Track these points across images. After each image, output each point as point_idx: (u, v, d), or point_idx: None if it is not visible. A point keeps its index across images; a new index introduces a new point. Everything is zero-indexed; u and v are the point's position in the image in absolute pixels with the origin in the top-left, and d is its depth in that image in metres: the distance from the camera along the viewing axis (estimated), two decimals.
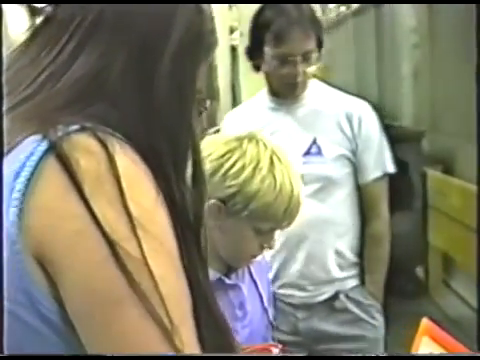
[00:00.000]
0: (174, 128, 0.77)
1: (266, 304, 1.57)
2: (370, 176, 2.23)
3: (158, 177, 0.73)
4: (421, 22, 5.56)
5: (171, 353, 0.68)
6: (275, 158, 1.42)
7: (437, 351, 1.62)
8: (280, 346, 1.53)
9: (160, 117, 0.76)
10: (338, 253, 2.21)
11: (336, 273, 2.21)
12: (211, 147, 1.44)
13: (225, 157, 1.41)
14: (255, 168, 1.39)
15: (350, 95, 2.28)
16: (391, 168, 2.28)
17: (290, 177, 1.41)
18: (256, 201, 1.38)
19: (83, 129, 0.71)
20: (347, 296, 2.22)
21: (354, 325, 2.23)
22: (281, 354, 1.38)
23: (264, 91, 2.25)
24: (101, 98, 0.75)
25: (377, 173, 2.24)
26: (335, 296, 2.21)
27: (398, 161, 4.89)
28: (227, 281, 1.50)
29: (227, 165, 1.40)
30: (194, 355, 0.71)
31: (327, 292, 2.21)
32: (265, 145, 1.43)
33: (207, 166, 1.42)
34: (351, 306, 2.23)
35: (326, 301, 2.21)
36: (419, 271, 5.10)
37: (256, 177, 1.38)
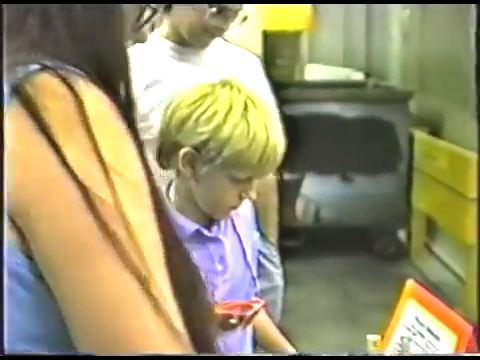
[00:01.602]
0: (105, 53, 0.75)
1: (249, 259, 1.51)
2: None
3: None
4: None
5: (147, 303, 0.66)
6: (250, 103, 1.37)
7: (422, 313, 1.58)
8: (262, 302, 1.48)
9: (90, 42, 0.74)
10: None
11: None
12: (183, 94, 1.41)
13: (197, 103, 1.38)
14: (227, 114, 1.35)
15: (243, 50, 2.18)
16: None
17: (266, 124, 1.37)
18: (229, 148, 1.35)
19: (44, 68, 0.68)
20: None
21: (265, 278, 2.23)
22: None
23: (159, 38, 2.04)
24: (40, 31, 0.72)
25: None
26: None
27: (384, 122, 4.90)
28: (206, 233, 1.45)
29: (199, 111, 1.36)
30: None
31: None
32: (239, 90, 1.39)
33: (180, 113, 1.39)
34: (261, 259, 2.23)
35: None
36: (401, 234, 5.08)
37: (228, 123, 1.35)
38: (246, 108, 1.36)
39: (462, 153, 4.13)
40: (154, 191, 0.72)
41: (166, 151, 1.43)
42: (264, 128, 1.36)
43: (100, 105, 0.69)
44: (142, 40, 0.87)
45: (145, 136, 1.89)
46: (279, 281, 2.32)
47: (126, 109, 0.73)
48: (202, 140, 1.35)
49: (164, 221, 0.74)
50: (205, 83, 1.43)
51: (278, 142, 1.39)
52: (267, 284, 2.23)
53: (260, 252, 2.23)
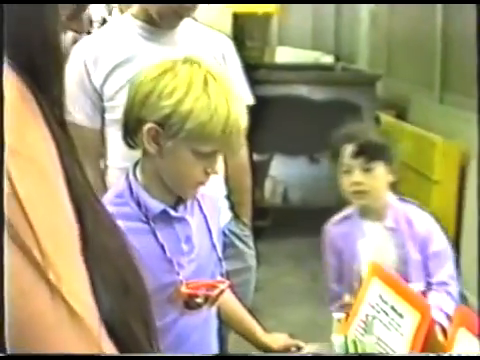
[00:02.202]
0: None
1: (215, 240, 1.52)
2: None
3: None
4: None
5: (45, 288, 0.60)
6: (210, 77, 1.39)
7: (385, 291, 1.61)
8: (228, 283, 1.50)
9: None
10: None
11: None
12: (146, 70, 1.44)
13: (159, 78, 1.40)
14: (188, 88, 1.37)
15: (214, 30, 2.18)
16: (251, 100, 2.23)
17: (226, 98, 1.39)
18: (191, 121, 1.36)
19: None
20: (229, 230, 2.23)
21: (238, 258, 2.25)
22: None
23: (129, 17, 2.02)
24: None
25: None
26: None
27: (351, 104, 4.92)
28: (173, 213, 1.45)
29: (161, 85, 1.39)
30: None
31: None
32: (199, 65, 1.41)
33: (142, 88, 1.41)
34: (234, 239, 2.25)
35: None
36: None
37: (189, 96, 1.37)
38: (206, 82, 1.38)
39: (427, 136, 4.18)
40: (74, 179, 0.68)
41: (131, 128, 1.44)
42: (225, 101, 1.38)
43: (13, 93, 0.65)
44: (80, 30, 0.86)
45: (112, 116, 1.91)
46: (252, 261, 2.33)
47: (55, 106, 0.70)
48: (165, 114, 1.37)
49: (90, 211, 0.69)
50: (167, 59, 1.45)
51: (240, 115, 1.41)
52: (240, 264, 2.24)
53: (233, 233, 2.24)
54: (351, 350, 1.36)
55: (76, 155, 0.71)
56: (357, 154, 1.95)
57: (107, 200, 1.44)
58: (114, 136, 1.86)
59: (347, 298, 1.86)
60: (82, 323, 0.62)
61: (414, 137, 4.35)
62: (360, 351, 1.36)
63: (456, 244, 3.50)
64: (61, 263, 0.62)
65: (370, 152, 1.96)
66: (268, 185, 4.88)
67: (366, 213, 2.01)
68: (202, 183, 1.45)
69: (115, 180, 1.77)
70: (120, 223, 1.43)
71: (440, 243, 1.94)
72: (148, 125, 1.38)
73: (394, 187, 2.05)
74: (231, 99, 1.40)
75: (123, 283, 0.73)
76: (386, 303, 1.56)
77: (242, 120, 1.42)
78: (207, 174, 1.43)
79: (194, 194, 1.49)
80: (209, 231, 1.52)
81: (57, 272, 0.61)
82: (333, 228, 2.10)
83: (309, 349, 1.78)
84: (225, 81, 1.43)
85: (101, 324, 0.64)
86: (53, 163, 0.66)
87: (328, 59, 6.57)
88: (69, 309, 0.61)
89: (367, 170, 1.95)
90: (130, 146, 1.48)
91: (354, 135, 2.03)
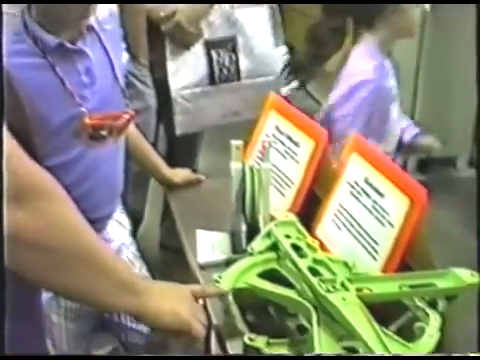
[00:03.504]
0: None
1: (118, 72, 1.53)
2: None
3: None
4: None
5: None
6: None
7: (282, 122, 1.65)
8: (132, 113, 1.53)
9: None
10: None
11: None
12: None
13: None
14: None
15: None
16: None
17: None
18: None
19: None
20: (127, 71, 2.25)
21: (138, 98, 2.30)
22: None
23: None
24: None
25: None
26: None
27: None
28: (69, 46, 1.45)
29: None
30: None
31: None
32: None
33: None
34: (133, 79, 2.30)
35: None
36: None
37: None
38: None
39: None
40: None
41: None
42: None
43: None
44: None
45: None
46: (152, 101, 2.35)
47: None
48: None
49: None
50: None
51: None
52: (140, 104, 2.26)
53: (132, 73, 2.24)
54: (248, 176, 1.43)
55: None
56: None
57: (6, 40, 1.42)
58: None
59: None
60: None
61: None
62: (256, 178, 1.42)
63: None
64: None
65: None
66: None
67: None
68: (85, 16, 1.45)
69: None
70: (19, 60, 1.42)
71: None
72: None
73: None
74: None
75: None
76: (282, 133, 1.63)
77: None
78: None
79: (81, 26, 1.48)
80: (111, 63, 1.52)
81: None
82: None
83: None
84: None
85: None
86: None
87: None
88: None
89: None
90: None
91: None
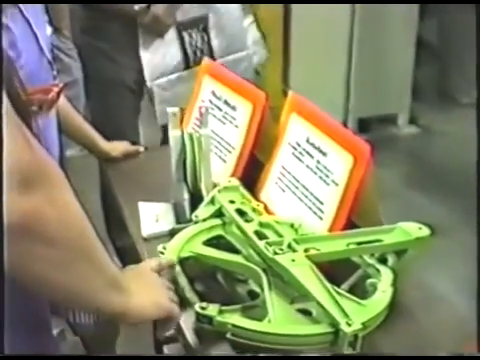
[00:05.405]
0: None
1: (43, 44, 1.47)
2: None
3: None
4: None
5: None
6: None
7: (217, 87, 1.62)
8: (60, 85, 1.47)
9: None
10: None
11: None
12: None
13: None
14: None
15: None
16: None
17: None
18: None
19: None
20: (52, 44, 2.22)
21: (65, 72, 2.37)
22: None
23: None
24: None
25: None
26: None
27: None
28: None
29: None
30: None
31: None
32: None
33: None
34: (58, 53, 2.39)
35: None
36: None
37: None
38: None
39: None
40: None
41: None
42: None
43: None
44: None
45: None
46: (78, 74, 2.29)
47: None
48: None
49: None
50: None
51: None
52: (67, 78, 2.21)
53: (57, 47, 2.18)
54: (188, 143, 1.39)
55: None
56: None
57: None
58: None
59: None
60: None
61: None
62: (196, 145, 1.39)
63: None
64: None
65: None
66: None
67: None
68: None
69: None
70: None
71: None
72: None
73: None
74: None
75: None
76: (219, 98, 1.59)
77: None
78: None
79: None
80: (34, 35, 1.46)
81: None
82: None
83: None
84: None
85: None
86: None
87: None
88: None
89: None
90: None
91: None
